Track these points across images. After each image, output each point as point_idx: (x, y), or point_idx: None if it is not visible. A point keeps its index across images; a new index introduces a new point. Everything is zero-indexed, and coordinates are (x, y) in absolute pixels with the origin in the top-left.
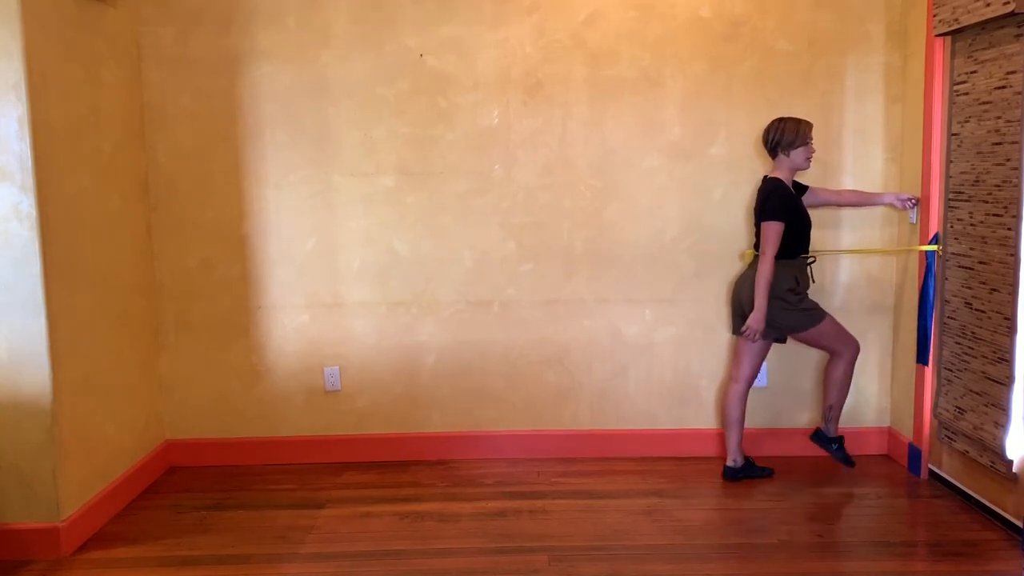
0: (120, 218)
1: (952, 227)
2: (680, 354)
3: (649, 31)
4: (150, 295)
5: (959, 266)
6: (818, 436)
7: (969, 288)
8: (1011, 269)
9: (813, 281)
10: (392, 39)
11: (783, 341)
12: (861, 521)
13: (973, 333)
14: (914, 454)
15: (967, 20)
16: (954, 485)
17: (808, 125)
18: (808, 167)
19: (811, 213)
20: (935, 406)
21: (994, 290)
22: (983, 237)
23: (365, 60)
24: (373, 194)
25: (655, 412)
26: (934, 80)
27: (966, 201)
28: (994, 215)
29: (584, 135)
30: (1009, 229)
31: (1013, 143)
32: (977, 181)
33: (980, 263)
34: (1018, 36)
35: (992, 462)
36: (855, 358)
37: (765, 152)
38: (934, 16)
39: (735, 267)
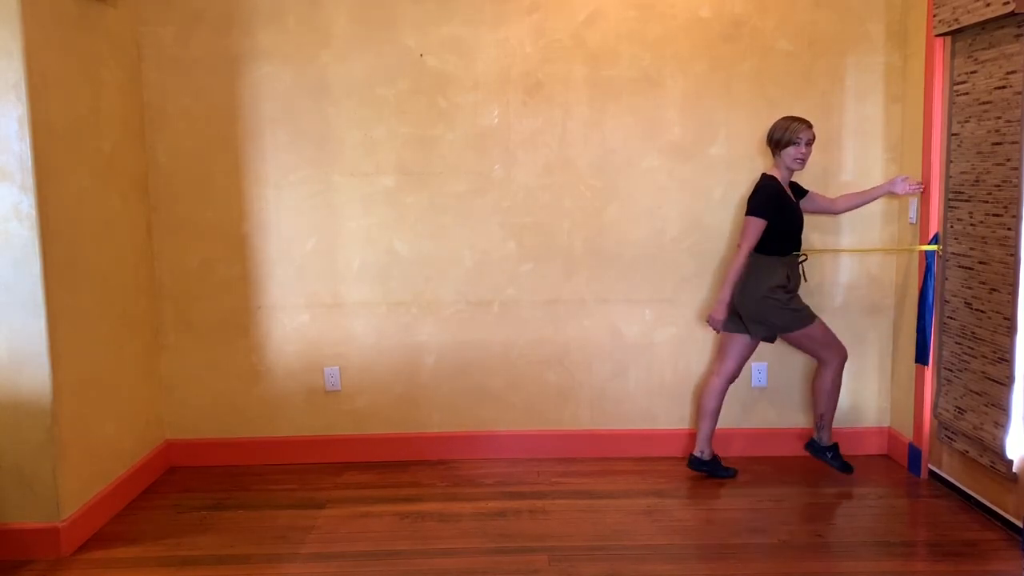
0: (120, 218)
1: (952, 227)
2: (680, 354)
3: (649, 31)
4: (150, 295)
5: (959, 266)
6: (812, 446)
7: (969, 288)
8: (1011, 269)
9: (805, 280)
10: (392, 39)
11: (771, 340)
12: (861, 521)
13: (973, 333)
14: (914, 454)
15: (967, 20)
16: (954, 485)
17: (800, 125)
18: (798, 168)
19: (812, 216)
20: (935, 406)
21: (994, 290)
22: (983, 237)
23: (365, 60)
24: (373, 194)
25: (655, 412)
26: (934, 80)
27: (966, 201)
28: (994, 215)
29: (584, 135)
30: (1009, 229)
31: (1013, 143)
32: (977, 181)
33: (980, 263)
34: (1018, 36)
35: (992, 462)
36: (842, 365)
37: (766, 151)
38: (934, 16)
39: None
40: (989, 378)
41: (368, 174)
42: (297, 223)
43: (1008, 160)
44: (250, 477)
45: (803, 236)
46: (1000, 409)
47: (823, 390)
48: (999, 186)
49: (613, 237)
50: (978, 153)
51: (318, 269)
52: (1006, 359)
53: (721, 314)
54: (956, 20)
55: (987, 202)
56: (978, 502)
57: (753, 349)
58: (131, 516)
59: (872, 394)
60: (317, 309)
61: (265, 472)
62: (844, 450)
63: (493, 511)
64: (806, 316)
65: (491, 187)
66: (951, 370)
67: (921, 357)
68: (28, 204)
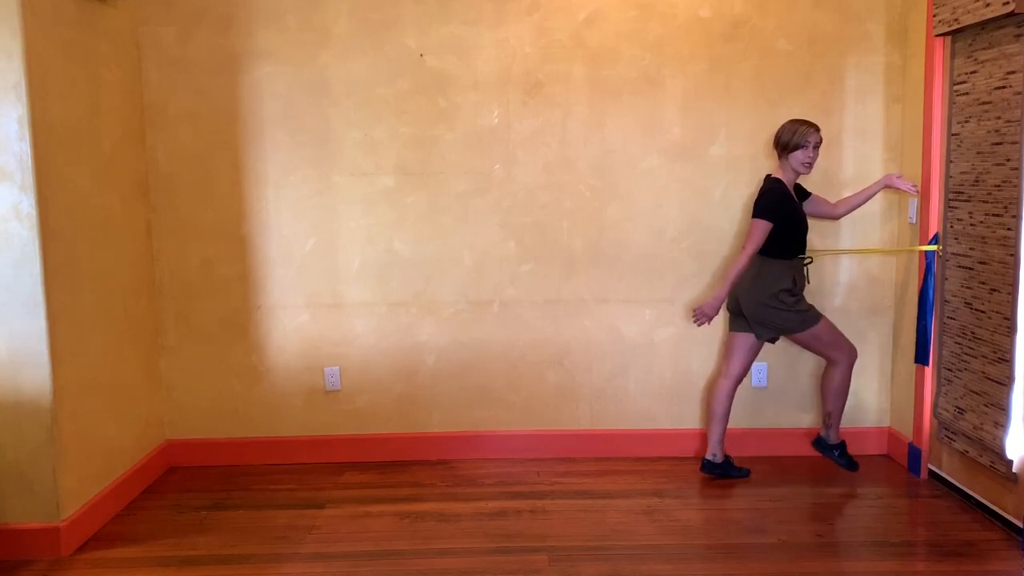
0: (120, 218)
1: (952, 227)
2: (680, 354)
3: (649, 31)
4: (150, 295)
5: (959, 266)
6: (819, 443)
7: (969, 288)
8: (1011, 269)
9: (808, 282)
10: (392, 39)
11: (773, 341)
12: (861, 521)
13: (973, 333)
14: (914, 454)
15: (967, 20)
16: (954, 485)
17: (808, 129)
18: (805, 171)
19: (811, 217)
20: (935, 406)
21: (994, 290)
22: (983, 237)
23: (365, 60)
24: (373, 194)
25: (655, 412)
26: (934, 80)
27: (966, 201)
28: (994, 215)
29: (584, 135)
30: (1009, 229)
31: (1013, 143)
32: (977, 181)
33: (980, 263)
34: (1018, 36)
35: (992, 462)
36: (852, 364)
37: (766, 151)
38: (934, 16)
39: None
40: (989, 378)
41: (368, 174)
42: (297, 223)
43: (1008, 160)
44: (250, 477)
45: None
46: (1000, 409)
47: (831, 389)
48: (999, 186)
49: (613, 237)
50: (978, 153)
51: (318, 269)
52: (1006, 359)
53: (712, 310)
54: (956, 20)
55: (987, 202)
56: (978, 502)
57: (759, 349)
58: (131, 516)
59: (872, 394)
60: (317, 309)
61: (265, 472)
62: None
63: (493, 511)
64: (811, 317)
65: (491, 187)
66: (951, 370)
67: (921, 357)
68: (28, 204)
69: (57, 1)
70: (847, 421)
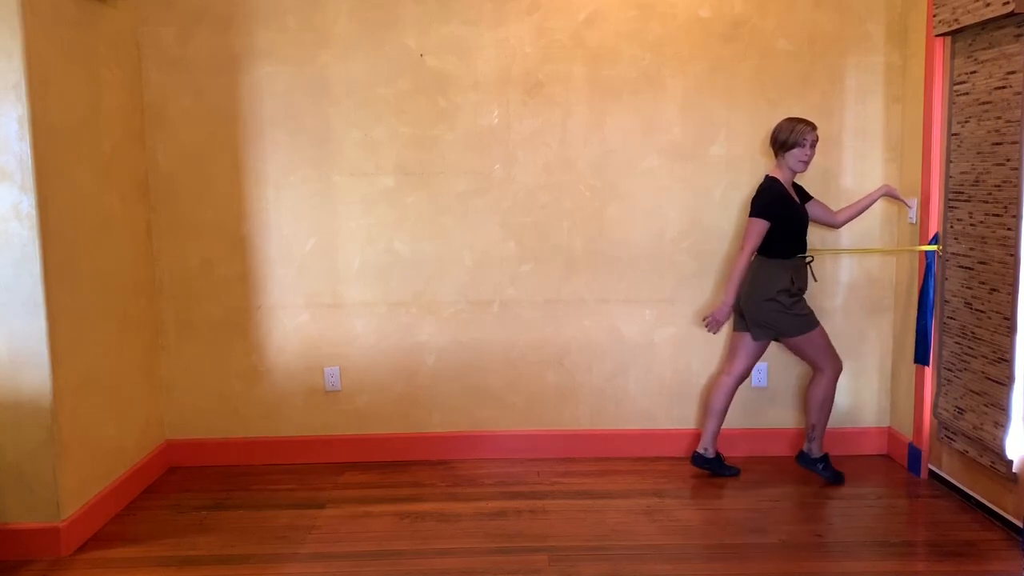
0: (120, 218)
1: (952, 227)
2: (680, 354)
3: (649, 31)
4: (150, 295)
5: (959, 266)
6: (803, 458)
7: (969, 288)
8: (1011, 269)
9: (815, 279)
10: (392, 39)
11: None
12: (861, 521)
13: (973, 333)
14: (914, 454)
15: (967, 20)
16: (954, 485)
17: (805, 127)
18: (802, 170)
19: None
20: (935, 406)
21: (994, 290)
22: (983, 237)
23: (365, 60)
24: (373, 194)
25: (655, 412)
26: (934, 80)
27: (966, 201)
28: (994, 215)
29: (584, 135)
30: (1009, 229)
31: (1013, 143)
32: (977, 181)
33: (980, 263)
34: (1018, 36)
35: (992, 462)
36: (837, 377)
37: (766, 151)
38: (934, 16)
39: None
40: (989, 378)
41: (368, 174)
42: (297, 223)
43: (1008, 160)
44: (250, 477)
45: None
46: (1000, 409)
47: (816, 400)
48: (999, 186)
49: (613, 237)
50: (978, 153)
51: (318, 269)
52: (1006, 359)
53: (723, 316)
54: (956, 20)
55: (987, 202)
56: (978, 502)
57: (763, 349)
58: (131, 516)
59: (872, 394)
60: (317, 309)
61: (265, 472)
62: (844, 450)
63: (493, 511)
64: (808, 322)
65: (491, 187)
66: (951, 370)
67: (921, 357)
68: (28, 204)
69: (57, 1)
70: (847, 421)
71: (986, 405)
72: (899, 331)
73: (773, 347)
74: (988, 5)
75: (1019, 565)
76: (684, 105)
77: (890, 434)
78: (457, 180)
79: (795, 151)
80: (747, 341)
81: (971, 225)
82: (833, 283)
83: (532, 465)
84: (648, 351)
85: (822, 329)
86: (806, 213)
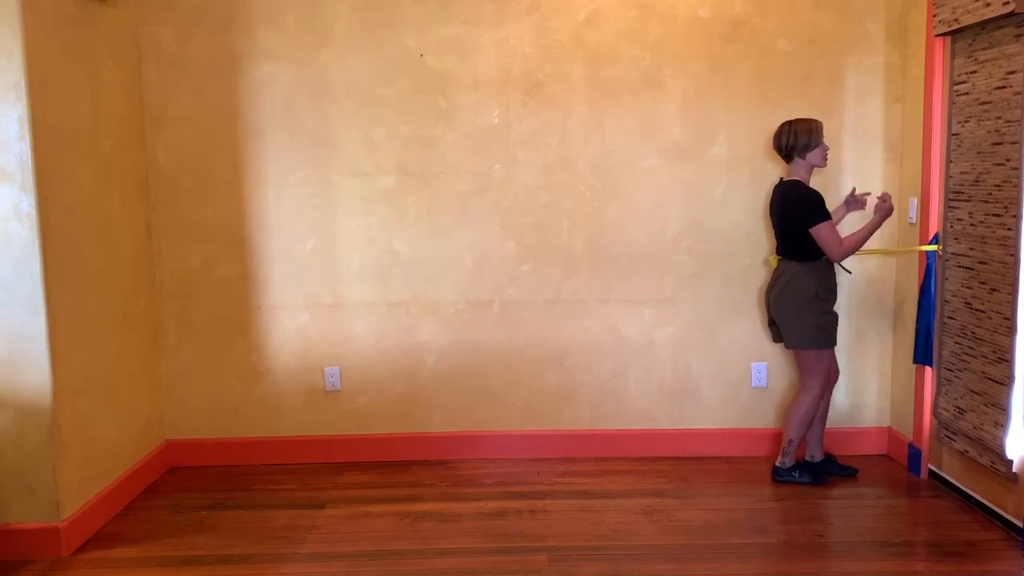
0: (120, 218)
1: (952, 227)
2: (680, 354)
3: (649, 31)
4: (150, 295)
5: (959, 266)
6: (776, 472)
7: (969, 288)
8: (1011, 269)
9: (849, 271)
10: (392, 39)
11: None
12: (861, 521)
13: (973, 333)
14: (914, 454)
15: (967, 20)
16: (954, 485)
17: (820, 125)
18: (825, 166)
19: None
20: (935, 406)
21: (994, 290)
22: (983, 237)
23: (365, 60)
24: (373, 194)
25: (655, 412)
26: (934, 80)
27: (966, 201)
28: (994, 215)
29: (584, 135)
30: (1009, 229)
31: (1013, 143)
32: (977, 181)
33: (980, 263)
34: (1018, 36)
35: (992, 462)
36: (821, 396)
37: (765, 152)
38: (934, 16)
39: (735, 267)
40: (989, 378)
41: (368, 174)
42: (297, 223)
43: (1008, 160)
44: (250, 477)
45: None
46: (1000, 409)
47: (795, 415)
48: (999, 186)
49: (613, 237)
50: (978, 153)
51: (318, 269)
52: (1006, 359)
53: (885, 211)
54: (956, 20)
55: (987, 202)
56: (978, 502)
57: (827, 358)
58: (131, 516)
59: (872, 394)
60: (317, 309)
61: (265, 472)
62: (844, 450)
63: (493, 511)
64: (823, 339)
65: (491, 187)
66: (951, 370)
67: (921, 357)
68: (28, 204)
69: (57, 1)
70: (847, 421)
71: (986, 405)
72: (899, 331)
73: (772, 347)
74: (988, 5)
75: (1019, 565)
76: (684, 105)
77: (890, 434)
78: (457, 180)
79: (817, 150)
80: (808, 355)
81: (971, 225)
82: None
83: (532, 465)
84: (648, 351)
85: (832, 353)
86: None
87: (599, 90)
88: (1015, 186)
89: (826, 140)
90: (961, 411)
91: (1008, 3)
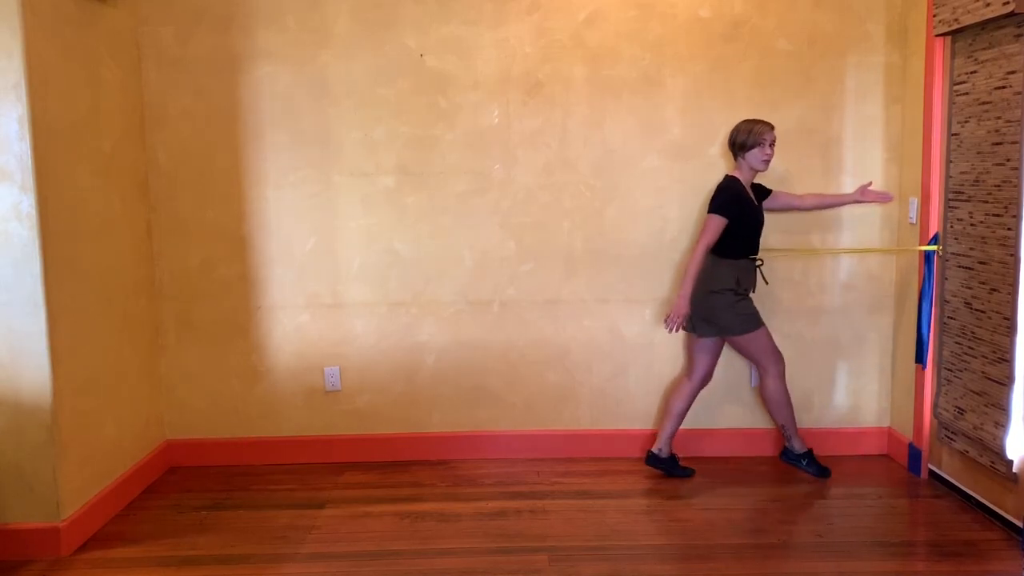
0: (120, 218)
1: (952, 227)
2: (680, 354)
3: (649, 31)
4: (150, 295)
5: (959, 266)
6: (786, 454)
7: (969, 288)
8: (1011, 269)
9: (766, 283)
10: (392, 39)
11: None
12: (861, 521)
13: (973, 333)
14: (914, 454)
15: (967, 20)
16: (954, 485)
17: (763, 127)
18: (763, 169)
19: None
20: (935, 406)
21: (994, 290)
22: (983, 237)
23: (365, 60)
24: (373, 194)
25: (655, 412)
26: (934, 80)
27: (966, 201)
28: (994, 215)
29: (584, 135)
30: (1009, 229)
31: (1013, 143)
32: (977, 181)
33: (980, 263)
34: (1018, 36)
35: (992, 462)
36: (783, 374)
37: None
38: (934, 16)
39: None
40: (989, 378)
41: (368, 174)
42: (297, 223)
43: (1008, 160)
44: (250, 477)
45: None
46: (1000, 409)
47: (772, 400)
48: (999, 186)
49: (613, 237)
50: (978, 153)
51: (318, 269)
52: (1006, 359)
53: (682, 310)
54: (956, 20)
55: (987, 202)
56: (978, 502)
57: (718, 348)
58: (131, 516)
59: (872, 394)
60: (317, 309)
61: (265, 472)
62: (844, 450)
63: (493, 511)
64: (750, 322)
65: (491, 187)
66: (951, 370)
67: (921, 357)
68: (28, 204)
69: (57, 1)
70: (847, 421)
71: (986, 405)
72: (899, 331)
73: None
74: (988, 5)
75: (1019, 565)
76: (684, 105)
77: (890, 434)
78: (457, 180)
79: (755, 151)
80: (700, 343)
81: (971, 225)
82: (833, 283)
83: (532, 465)
84: (648, 351)
85: (766, 330)
86: (762, 216)
87: (599, 90)
88: (1015, 186)
89: (826, 140)
90: (961, 411)
91: (1008, 3)
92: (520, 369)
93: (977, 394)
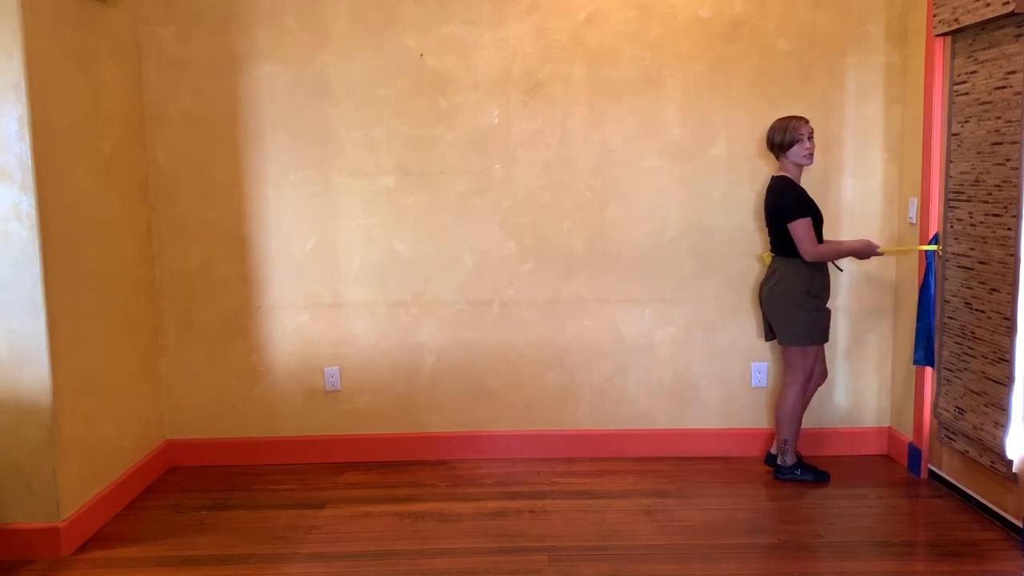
0: (120, 218)
1: (952, 227)
2: (680, 354)
3: (649, 31)
4: (150, 295)
5: (959, 266)
6: (779, 471)
7: (969, 288)
8: (1011, 269)
9: (840, 269)
10: (392, 39)
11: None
12: (861, 521)
13: (973, 333)
14: (914, 454)
15: (967, 20)
16: (954, 485)
17: (798, 122)
18: (809, 163)
19: None
20: (935, 406)
21: (994, 290)
22: (983, 237)
23: (365, 60)
24: (373, 194)
25: (655, 412)
26: (934, 80)
27: (966, 201)
28: (994, 215)
29: (584, 135)
30: (1009, 229)
31: (1013, 143)
32: (977, 181)
33: (980, 263)
34: (1018, 36)
35: (992, 462)
36: (805, 389)
37: (765, 152)
38: (934, 16)
39: (735, 267)
40: (989, 378)
41: (368, 174)
42: (297, 223)
43: (1008, 160)
44: (250, 477)
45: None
46: (1000, 409)
47: (785, 413)
48: (999, 186)
49: (613, 237)
50: (978, 153)
51: (318, 269)
52: (1006, 359)
53: (869, 246)
54: (956, 20)
55: (987, 202)
56: (978, 502)
57: (814, 354)
58: (131, 516)
59: (872, 394)
60: (317, 309)
61: (265, 472)
62: (844, 450)
63: (493, 511)
64: (815, 335)
65: (491, 187)
66: (951, 370)
67: (921, 357)
68: (28, 204)
69: (57, 1)
70: (847, 421)
71: (986, 405)
72: (899, 331)
73: (772, 347)
74: (988, 5)
75: (1019, 565)
76: (684, 105)
77: (890, 434)
78: (457, 180)
79: (795, 148)
80: (795, 350)
81: (971, 225)
82: (833, 283)
83: (532, 465)
84: (648, 351)
85: (821, 349)
86: (820, 211)
87: (599, 90)
88: (1015, 186)
89: (826, 140)
90: (961, 411)
91: (1008, 3)
92: (520, 369)
93: (977, 394)
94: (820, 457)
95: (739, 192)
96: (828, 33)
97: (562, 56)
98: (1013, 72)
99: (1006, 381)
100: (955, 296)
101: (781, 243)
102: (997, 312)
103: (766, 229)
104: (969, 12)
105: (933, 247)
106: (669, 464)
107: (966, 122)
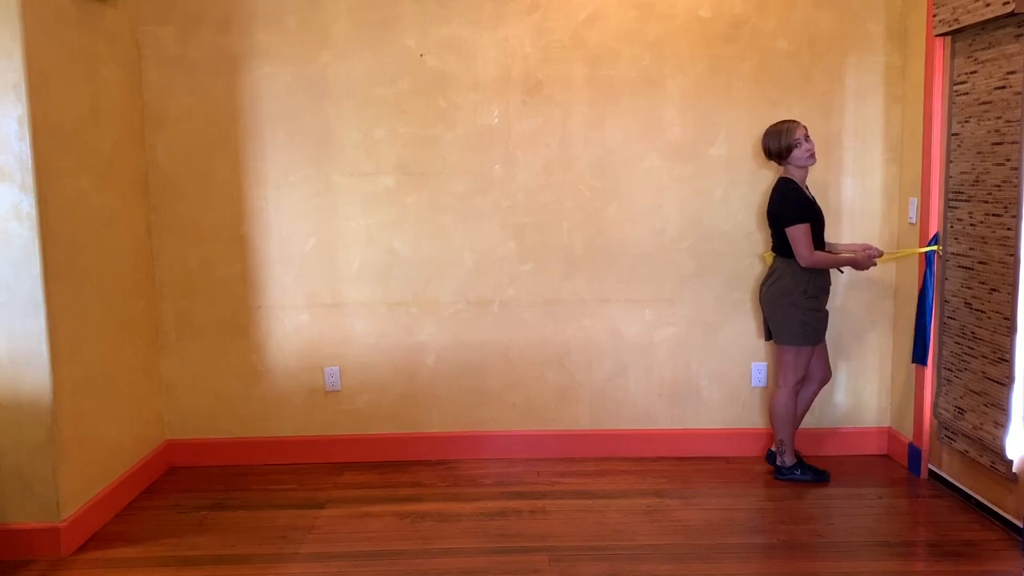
0: (120, 218)
1: (952, 227)
2: (680, 354)
3: (649, 31)
4: (150, 295)
5: (959, 266)
6: (778, 472)
7: (969, 288)
8: (1011, 269)
9: (841, 271)
10: (392, 39)
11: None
12: (861, 521)
13: (973, 333)
14: (914, 454)
15: (967, 20)
16: (954, 485)
17: (791, 126)
18: (812, 162)
19: None
20: (935, 406)
21: (994, 290)
22: (983, 237)
23: (365, 60)
24: (373, 194)
25: (655, 412)
26: (934, 80)
27: (966, 201)
28: (994, 215)
29: (584, 135)
30: (1009, 229)
31: (1013, 143)
32: (977, 181)
33: (980, 263)
34: (1018, 36)
35: (992, 462)
36: (796, 391)
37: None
38: (934, 16)
39: (736, 267)
40: (989, 378)
41: (368, 174)
42: (297, 223)
43: (1008, 160)
44: (250, 477)
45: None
46: (1000, 409)
47: (778, 414)
48: (999, 186)
49: (613, 237)
50: (978, 153)
51: (318, 269)
52: (1006, 359)
53: (869, 259)
54: (956, 20)
55: (987, 202)
56: (978, 502)
57: (808, 354)
58: (131, 516)
59: (872, 394)
60: (317, 309)
61: (265, 472)
62: (844, 450)
63: (493, 511)
64: (808, 336)
65: (491, 187)
66: (951, 370)
67: (920, 357)
68: (28, 204)
69: (57, 1)
70: (847, 421)
71: (986, 405)
72: (899, 331)
73: (772, 347)
74: (988, 5)
75: (1019, 565)
76: (684, 105)
77: (890, 434)
78: (457, 180)
79: (796, 152)
80: (788, 351)
81: (971, 225)
82: (833, 283)
83: (532, 465)
84: (648, 351)
85: (812, 349)
86: (821, 211)
87: (599, 90)
88: (1015, 186)
89: (826, 140)
90: (961, 411)
91: (1008, 3)
92: (520, 369)
93: (977, 394)
94: (820, 457)
95: (739, 192)
96: (828, 33)
97: (562, 56)
98: (1013, 72)
99: (1006, 381)
100: (955, 296)
101: (782, 244)
102: (997, 312)
103: (768, 229)
104: (969, 12)
105: (933, 248)
106: (669, 464)
107: (966, 122)
